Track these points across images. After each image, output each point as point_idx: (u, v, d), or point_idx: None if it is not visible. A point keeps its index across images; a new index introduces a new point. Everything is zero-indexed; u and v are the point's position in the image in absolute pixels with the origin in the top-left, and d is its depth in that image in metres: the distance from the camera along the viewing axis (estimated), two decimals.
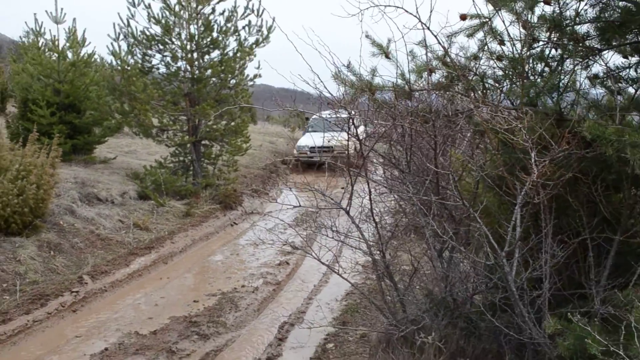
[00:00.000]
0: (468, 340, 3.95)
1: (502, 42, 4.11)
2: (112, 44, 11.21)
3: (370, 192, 4.09)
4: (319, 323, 5.14)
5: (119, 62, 11.23)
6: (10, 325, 5.16)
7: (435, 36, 3.84)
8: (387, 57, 4.56)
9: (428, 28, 3.81)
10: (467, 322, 4.02)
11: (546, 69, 4.08)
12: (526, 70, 4.03)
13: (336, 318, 5.43)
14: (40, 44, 12.84)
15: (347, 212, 4.19)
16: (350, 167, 4.16)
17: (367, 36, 4.51)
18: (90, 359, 4.59)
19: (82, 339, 5.06)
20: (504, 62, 4.17)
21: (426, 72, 4.24)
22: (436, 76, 4.29)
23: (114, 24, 11.24)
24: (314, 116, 17.19)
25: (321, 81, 3.85)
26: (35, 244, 6.90)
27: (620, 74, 3.84)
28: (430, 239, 3.95)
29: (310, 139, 16.76)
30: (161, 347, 4.77)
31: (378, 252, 4.11)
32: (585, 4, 3.77)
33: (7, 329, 5.09)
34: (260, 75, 12.23)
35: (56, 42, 12.79)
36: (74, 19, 13.62)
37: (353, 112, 3.98)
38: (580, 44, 3.83)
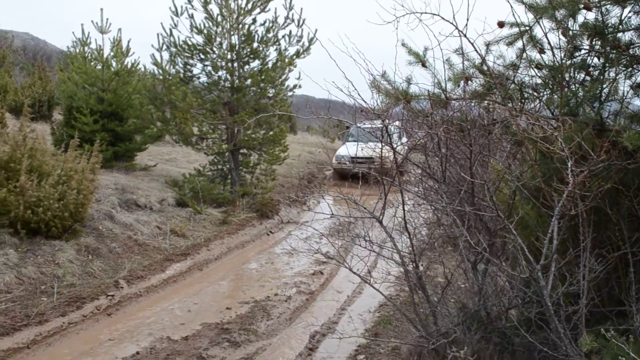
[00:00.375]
0: (501, 356, 3.84)
1: (542, 51, 4.01)
2: (153, 54, 11.39)
3: (403, 201, 4.03)
4: (350, 334, 5.08)
5: (160, 72, 11.41)
6: (46, 326, 5.24)
7: (472, 43, 3.77)
8: (423, 65, 4.51)
9: (465, 35, 3.73)
10: (501, 337, 3.91)
11: (587, 77, 3.97)
12: (566, 79, 3.94)
13: (368, 329, 5.36)
14: (86, 53, 13.15)
15: (380, 222, 4.13)
16: (385, 177, 4.11)
17: (403, 44, 4.47)
18: None
19: (115, 342, 5.11)
20: (543, 70, 4.07)
21: (463, 81, 4.18)
22: (473, 85, 4.23)
23: (157, 34, 11.44)
24: (354, 126, 17.30)
25: (355, 88, 3.81)
26: (74, 248, 7.02)
27: None
28: (464, 251, 3.86)
29: (350, 149, 15.52)
30: (192, 353, 4.77)
31: (411, 263, 4.04)
32: (629, 11, 3.66)
33: (42, 330, 5.17)
34: (300, 86, 12.28)
35: (101, 52, 13.11)
36: (119, 29, 14.00)
37: (388, 121, 3.92)
38: (624, 52, 3.72)
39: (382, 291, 4.39)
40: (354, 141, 15.77)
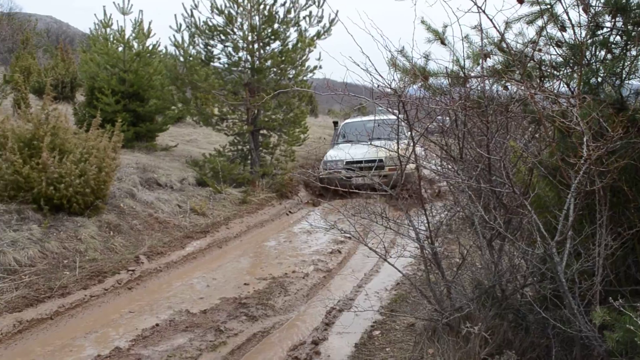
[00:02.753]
0: (515, 332, 3.86)
1: (563, 28, 3.98)
2: (174, 35, 11.45)
3: (420, 178, 4.05)
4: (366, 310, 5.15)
5: (181, 52, 11.48)
6: (68, 298, 5.37)
7: (491, 20, 3.74)
8: (442, 43, 4.50)
9: (484, 11, 3.72)
10: (515, 314, 3.93)
11: (608, 55, 3.93)
12: (587, 57, 3.90)
13: (384, 306, 5.40)
14: (107, 35, 13.26)
15: (396, 198, 4.16)
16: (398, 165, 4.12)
17: (422, 22, 4.46)
18: (142, 332, 4.71)
19: (135, 315, 5.21)
20: (563, 48, 4.04)
21: (481, 58, 4.16)
22: (491, 62, 4.21)
23: (174, 16, 11.50)
24: (348, 120, 14.49)
25: (372, 63, 3.81)
26: (96, 224, 7.15)
27: None
28: (480, 227, 3.88)
29: (345, 152, 11.69)
30: (210, 326, 4.86)
31: (427, 239, 4.06)
32: None
33: (65, 302, 5.29)
34: (320, 67, 12.25)
35: (123, 33, 13.21)
36: (141, 11, 14.03)
37: (402, 97, 3.90)
38: None
39: (398, 267, 4.42)
40: (347, 142, 12.76)
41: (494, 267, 3.91)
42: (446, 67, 4.19)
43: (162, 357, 4.23)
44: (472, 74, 4.31)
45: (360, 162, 11.05)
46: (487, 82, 4.16)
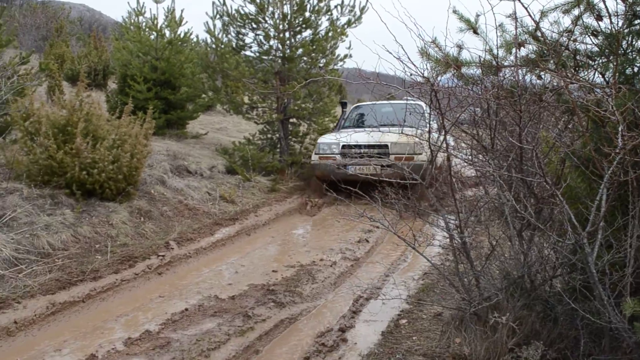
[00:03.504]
0: (543, 323, 3.84)
1: (599, 18, 3.92)
2: (207, 22, 11.53)
3: (450, 167, 4.03)
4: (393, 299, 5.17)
5: (213, 40, 11.56)
6: (100, 282, 5.47)
7: (526, 8, 3.70)
8: (475, 32, 4.46)
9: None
10: (544, 304, 3.91)
11: None
12: (623, 46, 3.84)
13: (411, 296, 5.41)
14: (140, 23, 13.41)
15: (426, 187, 4.15)
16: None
17: (454, 11, 4.43)
18: (171, 317, 4.79)
19: (164, 299, 5.30)
20: (599, 37, 3.98)
21: (515, 47, 4.12)
22: (525, 51, 4.17)
23: (212, 3, 11.58)
24: (361, 103, 13.56)
25: (405, 52, 3.80)
26: (127, 210, 7.26)
27: None
28: (510, 217, 3.86)
29: (344, 136, 10.13)
30: (238, 311, 4.91)
31: (456, 228, 4.06)
32: None
33: (97, 285, 5.39)
34: (350, 56, 12.26)
35: (155, 21, 13.33)
36: None
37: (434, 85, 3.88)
38: None
39: (427, 257, 4.42)
40: (353, 127, 11.48)
41: (523, 258, 3.89)
42: (479, 56, 4.16)
43: (191, 341, 4.30)
44: (506, 63, 4.28)
45: (360, 146, 9.74)
46: (520, 71, 4.12)
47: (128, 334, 4.45)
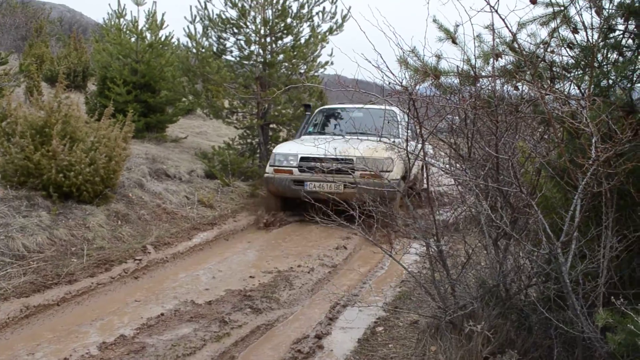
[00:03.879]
0: (518, 332, 3.88)
1: (575, 31, 3.98)
2: (188, 26, 11.51)
3: (427, 175, 4.06)
4: (370, 306, 5.18)
5: (194, 44, 11.53)
6: (75, 285, 5.41)
7: (504, 20, 3.75)
8: (453, 42, 4.50)
9: (496, 11, 3.72)
10: (519, 313, 3.94)
11: (620, 58, 3.93)
12: (598, 59, 3.90)
13: (388, 303, 5.43)
14: (121, 25, 13.32)
15: (403, 196, 4.18)
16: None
17: (434, 20, 4.47)
18: (147, 321, 4.75)
19: (141, 304, 5.26)
20: (575, 50, 4.04)
21: (492, 58, 4.17)
22: (502, 62, 4.21)
23: (190, 7, 11.56)
24: (327, 106, 11.41)
25: (384, 61, 3.82)
26: (104, 213, 7.20)
27: None
28: (486, 226, 3.89)
29: (305, 146, 8.88)
30: (214, 317, 4.89)
31: (432, 237, 4.08)
32: None
33: (72, 289, 5.34)
34: (332, 63, 12.31)
35: (136, 24, 13.26)
36: (154, 2, 14.03)
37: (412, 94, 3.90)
38: None
39: (403, 264, 4.44)
40: (318, 133, 10.16)
41: (499, 267, 3.93)
42: (457, 66, 4.20)
43: (166, 346, 4.27)
44: (483, 74, 4.32)
45: (322, 159, 8.07)
46: (497, 81, 4.16)
47: (103, 338, 4.41)
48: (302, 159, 8.70)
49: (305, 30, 11.88)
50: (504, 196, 3.96)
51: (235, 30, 11.74)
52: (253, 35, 11.54)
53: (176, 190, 9.08)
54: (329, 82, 12.42)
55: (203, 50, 11.48)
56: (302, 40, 11.76)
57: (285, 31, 11.68)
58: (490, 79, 4.18)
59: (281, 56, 11.69)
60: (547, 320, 3.55)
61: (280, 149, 9.36)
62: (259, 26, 11.47)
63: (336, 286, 5.98)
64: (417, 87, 4.22)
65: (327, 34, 11.93)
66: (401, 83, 3.88)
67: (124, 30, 13.38)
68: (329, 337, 4.69)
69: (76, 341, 4.38)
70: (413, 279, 4.71)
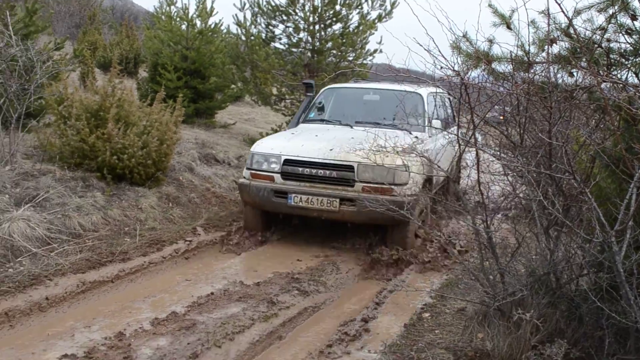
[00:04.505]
0: (568, 322, 3.84)
1: (634, 17, 3.89)
2: (237, 14, 11.63)
3: (478, 161, 4.03)
4: (417, 292, 5.20)
5: (243, 32, 11.64)
6: (128, 264, 5.59)
7: (559, 4, 3.69)
8: (508, 27, 4.45)
9: None
10: (569, 303, 3.90)
11: None
12: None
13: (435, 290, 5.42)
14: (171, 12, 13.54)
15: (453, 181, 4.16)
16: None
17: (489, 5, 4.42)
18: (197, 300, 4.88)
19: (191, 283, 5.39)
20: (633, 36, 3.95)
21: (547, 44, 4.11)
22: (557, 48, 4.15)
23: None
24: (335, 85, 8.81)
25: (436, 45, 3.80)
26: (156, 195, 7.40)
27: None
28: (538, 214, 3.85)
29: (294, 144, 6.69)
30: (263, 297, 4.99)
31: (482, 223, 4.06)
32: None
33: (125, 267, 5.52)
34: (381, 51, 12.29)
35: (186, 11, 13.44)
36: None
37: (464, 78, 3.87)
38: None
39: (454, 251, 4.44)
40: (321, 121, 7.80)
41: (550, 255, 3.89)
42: (510, 52, 4.15)
43: (216, 324, 4.38)
44: (537, 60, 4.26)
45: (314, 163, 6.28)
46: (552, 68, 4.10)
47: (155, 314, 4.54)
48: (287, 162, 6.42)
49: (354, 18, 11.89)
50: (556, 184, 3.92)
51: (284, 18, 11.82)
52: (302, 22, 11.60)
53: (225, 174, 9.24)
54: (378, 69, 12.39)
55: (252, 37, 11.60)
56: (351, 28, 11.75)
57: (334, 18, 11.70)
58: (544, 65, 4.12)
59: (329, 44, 11.72)
60: (599, 310, 3.51)
61: (260, 146, 6.87)
62: (307, 13, 11.51)
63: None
64: (469, 73, 4.20)
65: (376, 21, 11.89)
66: (453, 67, 3.86)
67: (175, 17, 13.59)
68: (375, 320, 4.73)
69: (130, 316, 4.53)
70: (460, 267, 4.70)
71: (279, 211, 6.43)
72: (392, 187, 5.80)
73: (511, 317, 3.81)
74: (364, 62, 12.06)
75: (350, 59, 11.95)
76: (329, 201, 6.05)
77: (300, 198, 6.24)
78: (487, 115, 4.24)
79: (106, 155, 7.00)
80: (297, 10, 11.60)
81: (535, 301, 3.86)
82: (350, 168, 6.11)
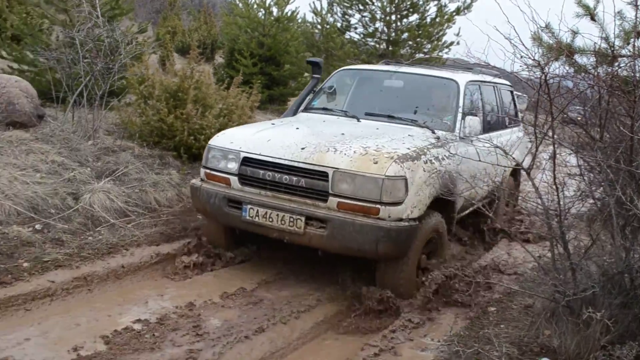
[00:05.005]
0: None
1: None
2: (314, 2, 11.72)
3: (554, 154, 3.95)
4: None
5: (319, 20, 11.73)
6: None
7: None
8: (592, 19, 4.34)
9: None
10: None
11: None
12: None
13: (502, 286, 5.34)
14: (249, 0, 13.79)
15: (528, 173, 4.09)
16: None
17: None
18: (266, 278, 5.05)
19: None
20: None
21: (633, 36, 3.98)
22: None
23: None
24: (353, 67, 7.60)
25: (517, 33, 3.73)
26: None
27: None
28: (614, 211, 3.74)
29: (261, 135, 4.96)
30: (331, 280, 5.06)
31: (555, 217, 3.98)
32: None
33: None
34: (458, 43, 12.12)
35: None
36: None
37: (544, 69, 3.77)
38: None
39: (525, 246, 4.37)
40: (325, 110, 6.09)
41: (625, 255, 3.78)
42: (594, 43, 4.05)
43: (282, 301, 4.49)
44: (622, 53, 4.14)
45: (277, 165, 4.64)
46: (637, 62, 3.97)
47: (224, 289, 4.68)
48: (246, 161, 4.80)
49: (432, 10, 11.78)
50: (636, 181, 3.80)
51: (361, 7, 11.84)
52: (378, 12, 11.60)
53: None
54: (455, 62, 12.21)
55: (328, 26, 11.69)
56: (428, 20, 11.65)
57: (411, 9, 11.64)
58: (629, 58, 3.99)
59: (405, 34, 11.68)
60: None
61: (220, 138, 5.18)
62: (384, 3, 11.48)
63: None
64: (549, 64, 4.11)
65: (454, 14, 11.74)
66: (533, 57, 3.78)
67: (252, 4, 13.82)
68: (439, 311, 4.71)
69: (200, 289, 4.69)
70: (532, 257, 4.62)
71: (232, 226, 5.01)
72: (378, 206, 4.27)
73: (581, 315, 3.73)
74: (440, 54, 11.94)
75: (426, 50, 11.85)
76: (291, 219, 4.46)
77: (257, 211, 4.63)
78: (565, 112, 4.13)
79: (183, 135, 7.24)
80: (374, 0, 11.59)
81: (607, 301, 3.76)
82: (323, 175, 4.43)
